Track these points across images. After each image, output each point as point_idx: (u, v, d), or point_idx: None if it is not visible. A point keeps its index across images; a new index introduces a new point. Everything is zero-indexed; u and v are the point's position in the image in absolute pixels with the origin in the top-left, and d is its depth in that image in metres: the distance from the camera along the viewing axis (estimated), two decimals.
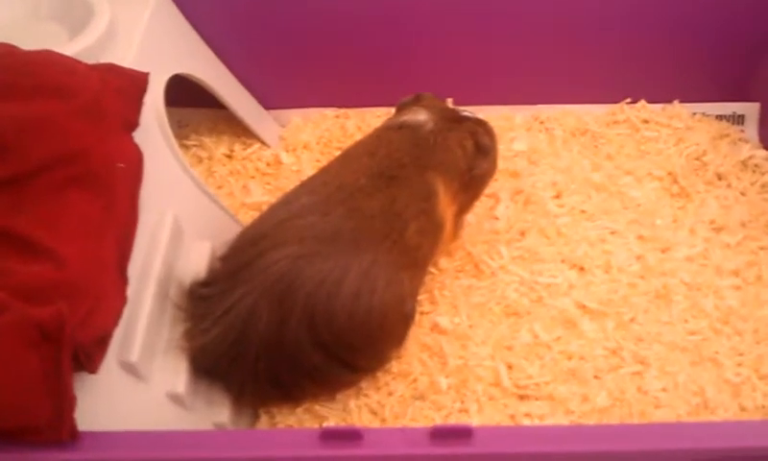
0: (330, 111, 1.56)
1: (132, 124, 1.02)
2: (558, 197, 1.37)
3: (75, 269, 0.83)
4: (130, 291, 0.91)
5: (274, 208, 1.10)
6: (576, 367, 1.11)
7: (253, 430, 1.06)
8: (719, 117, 1.53)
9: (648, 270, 1.24)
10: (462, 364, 1.12)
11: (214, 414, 1.01)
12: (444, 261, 1.26)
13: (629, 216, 1.33)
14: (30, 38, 1.06)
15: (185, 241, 1.09)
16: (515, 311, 1.19)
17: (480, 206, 1.32)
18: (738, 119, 1.53)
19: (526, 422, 1.07)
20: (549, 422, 1.07)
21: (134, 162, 0.99)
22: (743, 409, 1.08)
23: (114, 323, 0.86)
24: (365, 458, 0.75)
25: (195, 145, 1.51)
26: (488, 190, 1.28)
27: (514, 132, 1.51)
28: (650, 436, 0.77)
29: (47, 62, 1.00)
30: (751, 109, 1.52)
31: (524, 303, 1.20)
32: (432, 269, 1.24)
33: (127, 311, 0.90)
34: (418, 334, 1.17)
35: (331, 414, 1.08)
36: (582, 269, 1.25)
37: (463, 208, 1.22)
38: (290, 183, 1.29)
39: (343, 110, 1.56)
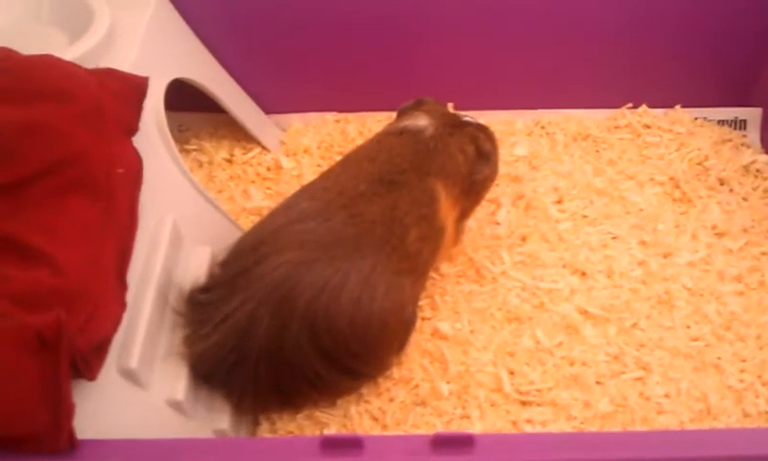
0: (331, 116, 1.56)
1: (132, 129, 1.02)
2: (559, 202, 1.36)
3: (74, 275, 0.83)
4: (129, 297, 0.91)
5: (274, 214, 1.09)
6: (578, 373, 1.11)
7: (254, 438, 1.06)
8: (721, 122, 1.53)
9: (650, 275, 1.23)
10: (463, 370, 1.12)
11: (214, 421, 1.01)
12: (445, 266, 1.26)
13: (631, 221, 1.33)
14: (30, 42, 1.06)
15: (185, 246, 1.08)
16: (516, 317, 1.19)
17: (481, 211, 1.31)
18: (740, 124, 1.53)
19: (528, 428, 1.07)
20: (551, 428, 1.06)
21: (134, 167, 0.99)
22: (746, 415, 1.08)
23: (113, 329, 0.85)
24: None
25: (195, 150, 1.50)
26: (489, 195, 1.27)
27: (515, 136, 1.50)
28: (653, 444, 0.76)
29: (47, 67, 0.99)
30: (753, 115, 1.52)
31: (526, 308, 1.19)
32: (433, 274, 1.23)
33: (126, 317, 0.89)
34: (419, 340, 1.16)
35: (332, 420, 1.08)
36: (583, 274, 1.24)
37: (464, 214, 1.22)
38: (290, 188, 1.29)
39: (343, 115, 1.56)
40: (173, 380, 0.96)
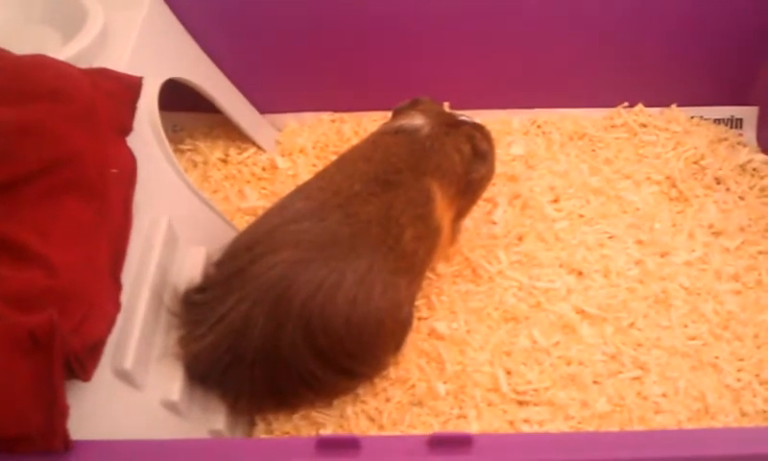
0: (326, 116, 1.55)
1: (126, 129, 1.01)
2: (556, 201, 1.36)
3: (68, 276, 0.82)
4: (123, 297, 0.91)
5: (268, 214, 1.09)
6: (575, 372, 1.11)
7: (249, 439, 1.05)
8: (717, 121, 1.53)
9: (647, 274, 1.23)
10: (460, 370, 1.11)
11: (210, 421, 1.00)
12: (441, 266, 1.25)
13: (627, 220, 1.32)
14: (22, 42, 1.06)
15: (180, 247, 1.08)
16: (513, 316, 1.18)
17: (478, 210, 1.31)
18: (737, 123, 1.53)
19: (525, 428, 1.06)
20: (548, 428, 1.06)
21: (128, 167, 0.98)
22: (744, 414, 1.07)
23: (108, 330, 0.85)
24: None
25: (190, 150, 1.50)
26: (485, 195, 1.27)
27: (511, 136, 1.50)
28: (651, 443, 0.76)
29: (41, 67, 0.99)
30: (749, 113, 1.52)
31: (522, 308, 1.19)
32: (430, 274, 1.23)
33: (120, 318, 0.89)
34: (415, 340, 1.16)
35: (328, 421, 1.07)
36: (580, 274, 1.24)
37: (460, 213, 1.21)
38: (286, 188, 1.29)
39: (339, 115, 1.55)
40: (168, 381, 0.96)
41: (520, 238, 1.30)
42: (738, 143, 1.49)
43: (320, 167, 1.31)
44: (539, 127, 1.52)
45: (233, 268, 1.01)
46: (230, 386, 1.00)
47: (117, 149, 0.98)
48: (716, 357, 1.13)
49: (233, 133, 1.49)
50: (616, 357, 1.13)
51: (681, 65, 1.49)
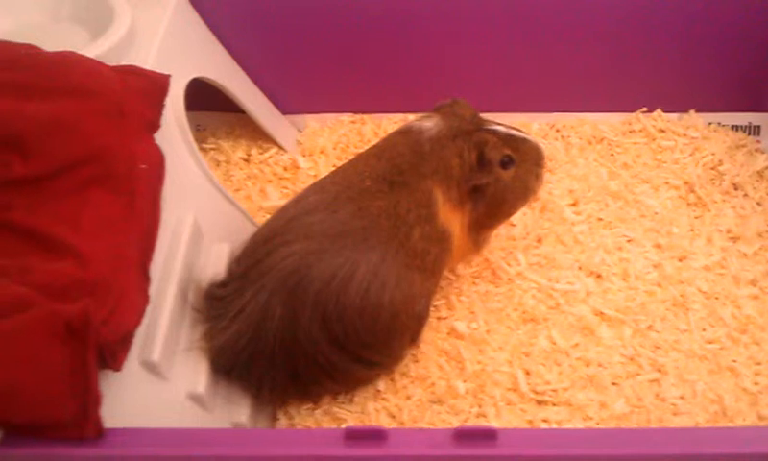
0: (347, 117, 1.56)
1: (154, 125, 1.02)
2: (575, 204, 1.37)
3: (98, 267, 0.84)
4: (151, 291, 0.92)
5: (285, 208, 1.10)
6: (594, 374, 1.11)
7: (277, 429, 1.07)
8: (735, 127, 1.53)
9: (665, 278, 1.24)
10: (479, 369, 1.12)
11: (233, 414, 1.01)
12: (461, 267, 1.26)
13: (646, 224, 1.33)
14: (51, 41, 1.07)
15: (205, 243, 1.09)
16: (532, 317, 1.19)
17: None
18: (754, 130, 1.53)
19: (544, 427, 1.07)
20: (567, 428, 1.06)
21: (156, 163, 0.99)
22: (761, 418, 1.08)
23: (137, 321, 0.86)
24: (389, 458, 0.75)
25: (213, 148, 1.51)
26: None
27: None
28: (672, 440, 0.76)
29: (69, 63, 1.00)
30: (767, 120, 1.52)
31: (541, 309, 1.20)
32: (449, 274, 1.24)
33: (148, 311, 0.90)
34: (435, 339, 1.17)
35: (350, 416, 1.08)
36: (599, 276, 1.25)
37: (480, 223, 1.15)
38: None
39: (359, 116, 1.56)
40: (194, 374, 0.97)
41: (539, 240, 1.31)
42: (756, 150, 1.49)
43: None
44: (557, 131, 1.53)
45: (251, 261, 1.03)
46: (253, 375, 1.01)
47: (146, 145, 0.99)
48: (734, 361, 1.14)
49: (255, 133, 1.51)
50: (635, 359, 1.14)
51: (699, 72, 1.49)
